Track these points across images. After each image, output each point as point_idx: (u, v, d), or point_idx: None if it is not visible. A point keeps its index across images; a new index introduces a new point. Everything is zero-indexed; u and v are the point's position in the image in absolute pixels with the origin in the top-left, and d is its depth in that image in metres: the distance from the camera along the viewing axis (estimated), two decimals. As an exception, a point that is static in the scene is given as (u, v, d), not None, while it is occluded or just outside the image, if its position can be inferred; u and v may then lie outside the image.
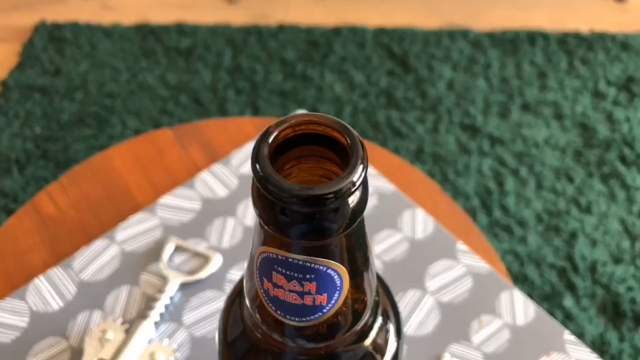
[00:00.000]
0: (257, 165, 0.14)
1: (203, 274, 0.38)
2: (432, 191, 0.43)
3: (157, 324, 0.36)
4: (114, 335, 0.34)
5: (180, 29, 1.19)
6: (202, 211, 0.41)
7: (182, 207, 0.42)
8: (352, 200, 0.15)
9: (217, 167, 0.44)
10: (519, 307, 0.36)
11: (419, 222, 0.39)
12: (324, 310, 0.17)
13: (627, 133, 1.01)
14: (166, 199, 0.42)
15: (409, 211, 0.39)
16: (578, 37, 1.20)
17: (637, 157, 0.98)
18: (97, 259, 0.39)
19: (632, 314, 0.79)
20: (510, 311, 0.36)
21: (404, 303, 0.35)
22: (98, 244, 0.40)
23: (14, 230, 0.41)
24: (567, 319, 0.79)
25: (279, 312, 0.17)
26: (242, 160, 0.45)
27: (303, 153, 0.16)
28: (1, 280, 0.38)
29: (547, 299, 0.81)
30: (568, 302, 0.81)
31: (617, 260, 0.85)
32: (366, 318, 0.18)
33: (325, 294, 0.16)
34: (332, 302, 0.17)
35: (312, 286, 0.16)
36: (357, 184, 0.14)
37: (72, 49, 1.15)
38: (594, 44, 1.19)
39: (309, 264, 0.16)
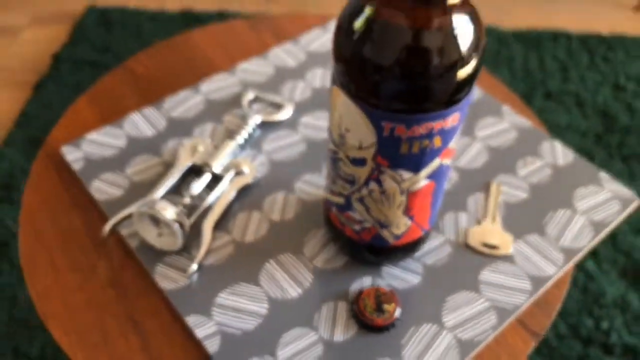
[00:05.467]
0: None
1: (279, 117, 0.52)
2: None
3: (241, 147, 0.49)
4: (204, 149, 0.48)
5: (222, 15, 1.39)
6: (275, 75, 0.58)
7: (259, 71, 0.58)
8: None
9: (288, 46, 0.61)
10: (559, 152, 0.51)
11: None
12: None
13: (646, 121, 1.17)
14: (244, 65, 0.58)
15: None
16: (599, 38, 1.38)
17: (655, 142, 1.13)
18: (185, 103, 0.54)
19: (652, 277, 0.93)
20: (551, 155, 0.51)
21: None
22: (184, 93, 0.55)
23: (109, 83, 0.57)
24: (589, 279, 0.92)
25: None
26: (310, 40, 0.62)
27: None
28: (99, 120, 0.53)
29: (569, 261, 0.94)
30: (590, 265, 0.94)
31: (637, 232, 0.99)
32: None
33: None
34: None
35: None
36: None
37: (120, 30, 1.37)
38: (613, 44, 1.37)
39: None
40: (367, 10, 0.29)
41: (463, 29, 0.29)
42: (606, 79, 1.30)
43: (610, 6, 1.56)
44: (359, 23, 0.30)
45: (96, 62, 1.28)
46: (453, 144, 0.34)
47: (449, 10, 0.29)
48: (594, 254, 0.97)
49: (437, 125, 0.31)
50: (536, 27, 1.44)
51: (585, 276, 0.94)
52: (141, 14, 1.42)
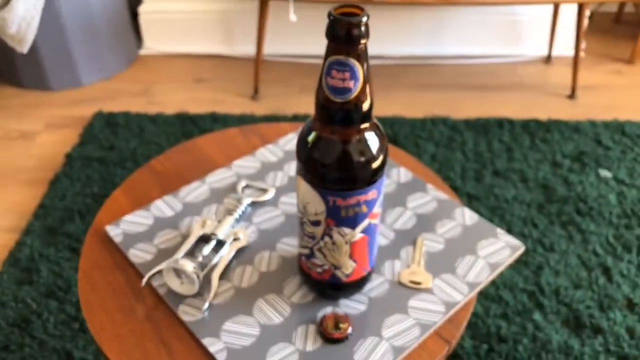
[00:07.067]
0: (332, 13, 0.44)
1: (265, 198, 0.73)
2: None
3: (237, 220, 0.69)
4: (211, 223, 0.67)
5: (214, 117, 1.62)
6: (261, 168, 0.78)
7: (249, 166, 0.78)
8: (364, 28, 0.44)
9: (270, 146, 0.82)
10: (467, 215, 0.70)
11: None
12: (352, 91, 0.46)
13: (581, 192, 1.38)
14: (238, 162, 0.79)
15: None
16: (538, 122, 1.63)
17: (589, 209, 1.34)
18: (195, 191, 0.74)
19: (591, 325, 1.09)
20: (461, 217, 0.70)
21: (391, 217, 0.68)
22: (195, 184, 0.75)
23: (137, 179, 0.76)
24: (537, 329, 1.07)
25: (332, 93, 0.46)
26: (286, 142, 0.82)
27: (346, 11, 0.49)
28: (132, 206, 0.72)
29: (520, 314, 1.10)
30: (537, 316, 1.10)
31: (576, 286, 1.16)
32: (370, 116, 0.50)
33: (352, 81, 0.45)
34: (355, 86, 0.46)
35: (347, 75, 0.45)
36: (365, 20, 0.44)
37: (124, 131, 1.60)
38: (551, 127, 1.62)
39: (347, 61, 0.45)
40: (314, 132, 0.49)
41: (372, 139, 0.49)
42: (545, 157, 1.54)
43: (547, 95, 1.83)
44: (309, 138, 0.50)
45: (103, 159, 1.48)
46: (377, 209, 0.53)
47: (362, 130, 0.48)
48: (540, 307, 1.13)
49: (362, 197, 0.50)
50: (483, 116, 1.70)
51: (533, 326, 1.10)
52: (142, 116, 1.65)
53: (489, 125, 1.64)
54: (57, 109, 1.74)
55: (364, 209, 0.52)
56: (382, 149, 0.51)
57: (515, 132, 1.62)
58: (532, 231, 1.32)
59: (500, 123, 1.65)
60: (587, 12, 1.73)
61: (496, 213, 1.35)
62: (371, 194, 0.52)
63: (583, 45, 2.12)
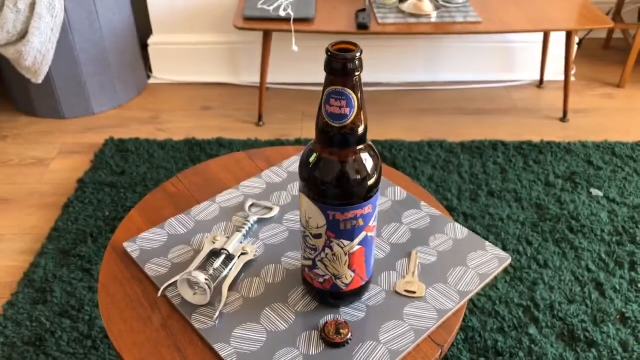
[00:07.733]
0: (330, 49, 0.53)
1: (270, 215, 0.78)
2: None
3: (245, 236, 0.74)
4: (221, 239, 0.73)
5: (220, 143, 1.68)
6: (267, 188, 0.83)
7: (255, 186, 0.83)
8: (358, 62, 0.50)
9: (274, 168, 0.87)
10: (458, 230, 0.75)
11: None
12: (348, 117, 0.52)
13: (573, 210, 1.42)
14: (245, 183, 0.84)
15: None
16: (531, 144, 1.69)
17: (582, 227, 1.38)
18: (206, 210, 0.79)
19: (586, 339, 1.12)
20: (453, 232, 0.75)
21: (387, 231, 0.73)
22: (205, 203, 0.80)
23: (152, 200, 0.81)
24: (533, 343, 1.11)
25: (330, 119, 0.52)
26: (289, 164, 0.88)
27: (342, 47, 0.55)
28: (147, 224, 0.77)
29: (516, 329, 1.13)
30: (533, 331, 1.13)
31: (571, 301, 1.19)
32: (365, 139, 0.55)
33: (348, 108, 0.51)
34: (351, 113, 0.52)
35: (343, 103, 0.51)
36: (359, 55, 0.51)
37: (134, 157, 1.66)
38: (543, 149, 1.67)
39: (343, 91, 0.51)
40: (315, 153, 0.55)
41: (367, 159, 0.54)
42: (539, 177, 1.59)
43: (540, 118, 1.89)
44: (311, 159, 0.55)
45: (114, 184, 1.54)
46: (372, 223, 0.58)
47: (358, 151, 0.54)
48: (536, 321, 1.17)
49: (359, 212, 0.55)
50: (479, 139, 1.76)
51: (529, 340, 1.13)
52: (152, 143, 1.71)
53: (484, 147, 1.70)
54: (70, 136, 1.80)
55: (361, 222, 0.57)
56: (376, 168, 0.56)
57: (509, 154, 1.67)
58: (526, 248, 1.36)
59: (495, 145, 1.70)
60: (576, 39, 1.80)
61: (492, 231, 1.40)
62: (367, 208, 0.56)
63: (573, 70, 2.19)
